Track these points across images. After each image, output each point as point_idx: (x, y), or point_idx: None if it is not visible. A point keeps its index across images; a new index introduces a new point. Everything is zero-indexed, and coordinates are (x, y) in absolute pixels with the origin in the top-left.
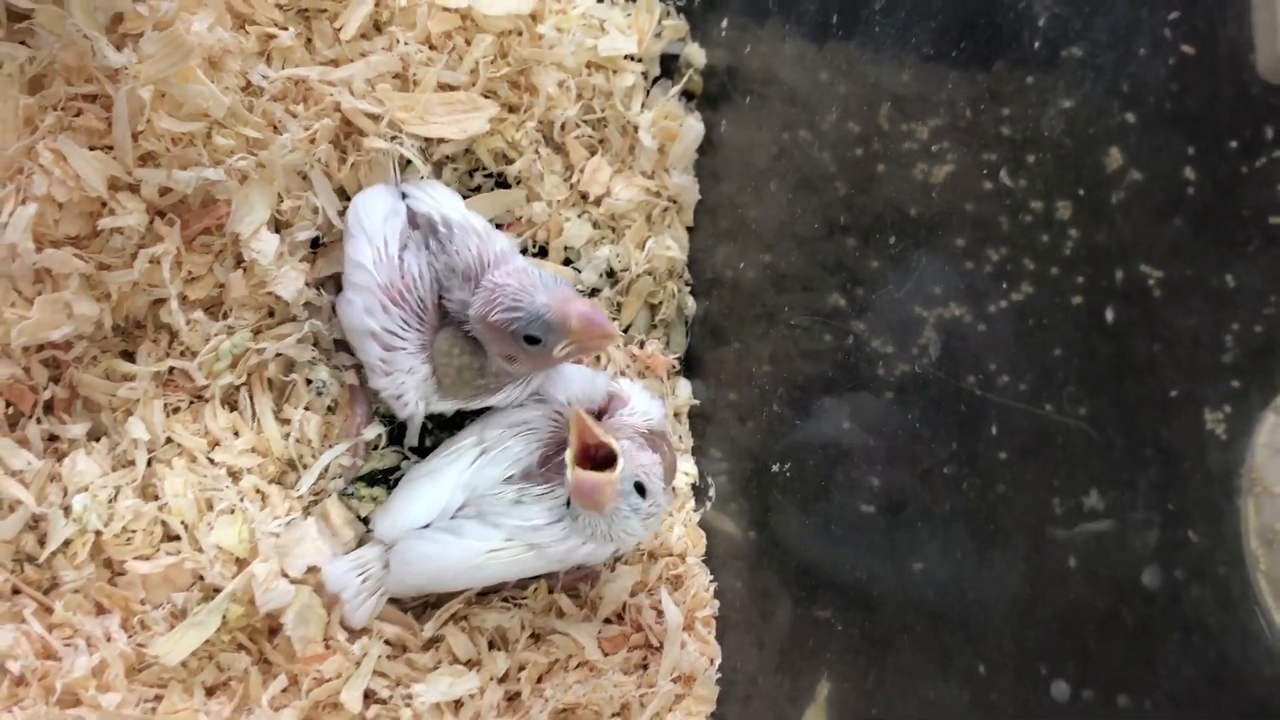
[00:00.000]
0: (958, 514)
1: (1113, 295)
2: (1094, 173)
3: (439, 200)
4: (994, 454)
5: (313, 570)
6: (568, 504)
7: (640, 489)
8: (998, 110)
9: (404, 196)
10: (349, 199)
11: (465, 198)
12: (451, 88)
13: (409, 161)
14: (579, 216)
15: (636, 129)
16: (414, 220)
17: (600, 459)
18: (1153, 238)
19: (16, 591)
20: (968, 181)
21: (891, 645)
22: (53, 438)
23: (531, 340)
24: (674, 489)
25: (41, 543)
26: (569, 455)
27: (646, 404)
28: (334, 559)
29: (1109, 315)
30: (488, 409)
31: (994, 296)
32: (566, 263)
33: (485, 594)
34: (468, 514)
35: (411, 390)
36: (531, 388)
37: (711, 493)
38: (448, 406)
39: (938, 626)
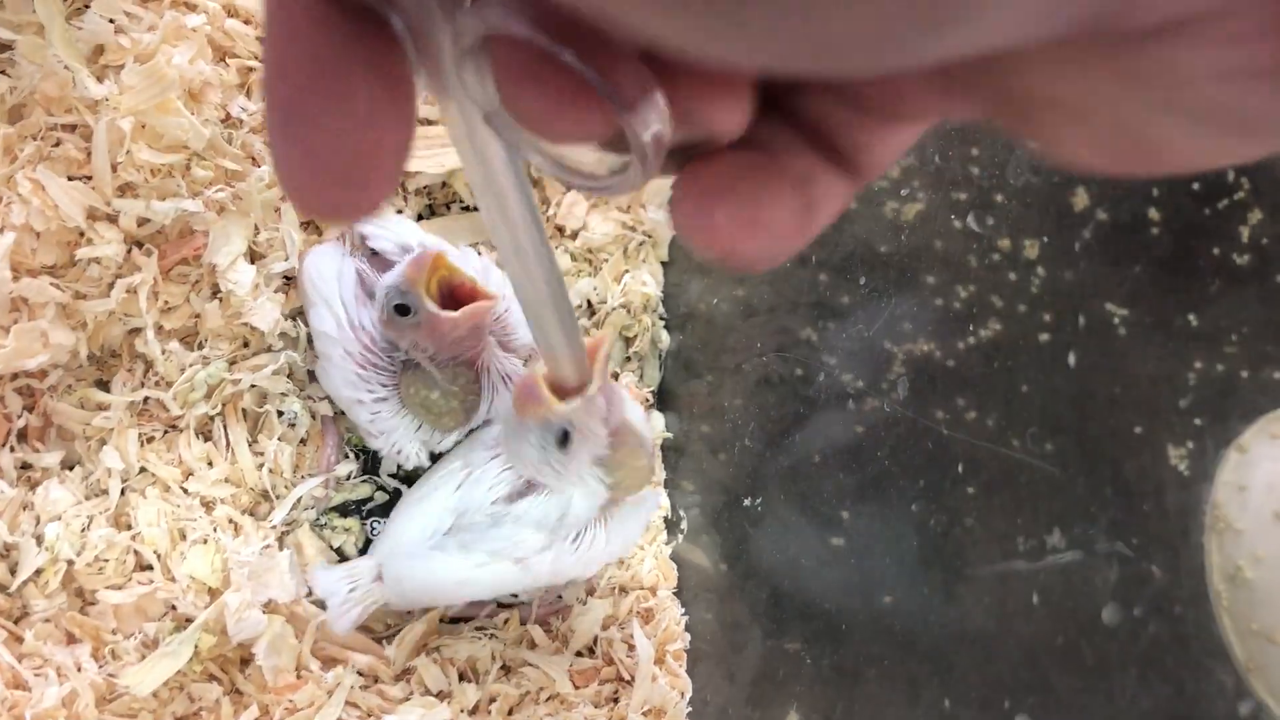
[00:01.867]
0: (925, 549)
1: (1078, 333)
2: (1060, 213)
3: (399, 233)
4: (961, 490)
5: (286, 604)
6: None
7: (564, 439)
8: (966, 150)
9: (364, 239)
10: (319, 232)
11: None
12: (430, 123)
13: None
14: (557, 249)
15: None
16: (375, 258)
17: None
18: (1117, 277)
19: None
20: (937, 220)
21: (859, 677)
22: (26, 466)
23: (401, 310)
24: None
25: (13, 571)
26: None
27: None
28: (326, 567)
29: (1073, 353)
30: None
31: (962, 334)
32: None
33: (456, 621)
34: (452, 535)
35: (406, 443)
36: (498, 395)
37: (684, 525)
38: (450, 441)
39: (905, 658)
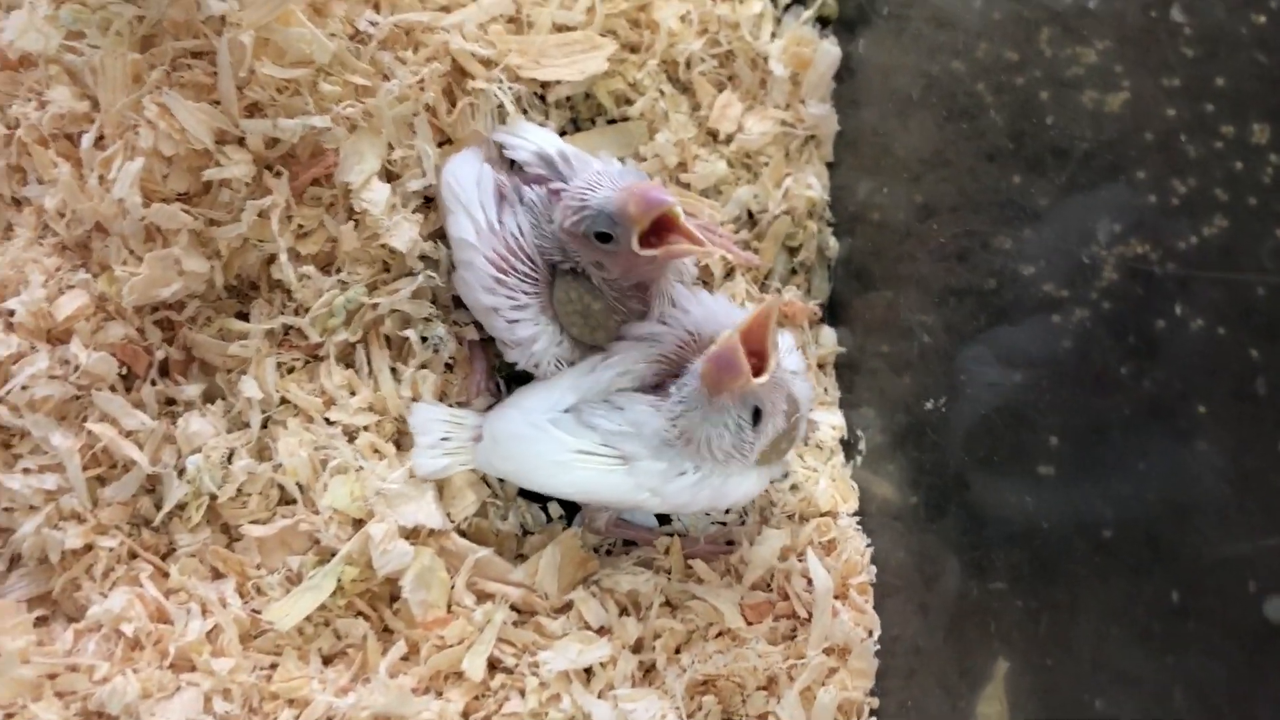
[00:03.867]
0: (1147, 473)
1: None
2: None
3: (538, 140)
4: (1190, 407)
5: (434, 534)
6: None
7: (757, 415)
8: (1177, 26)
9: (501, 149)
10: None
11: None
12: (568, 28)
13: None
14: (710, 155)
15: (766, 59)
16: (513, 170)
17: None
18: None
19: (134, 556)
20: (1145, 108)
21: (1078, 620)
22: (169, 401)
23: (603, 238)
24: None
25: (158, 507)
26: (736, 328)
27: (795, 365)
28: (431, 404)
29: None
30: None
31: (1182, 233)
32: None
33: (618, 555)
34: (571, 413)
35: (545, 358)
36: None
37: (862, 446)
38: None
39: (1133, 599)
